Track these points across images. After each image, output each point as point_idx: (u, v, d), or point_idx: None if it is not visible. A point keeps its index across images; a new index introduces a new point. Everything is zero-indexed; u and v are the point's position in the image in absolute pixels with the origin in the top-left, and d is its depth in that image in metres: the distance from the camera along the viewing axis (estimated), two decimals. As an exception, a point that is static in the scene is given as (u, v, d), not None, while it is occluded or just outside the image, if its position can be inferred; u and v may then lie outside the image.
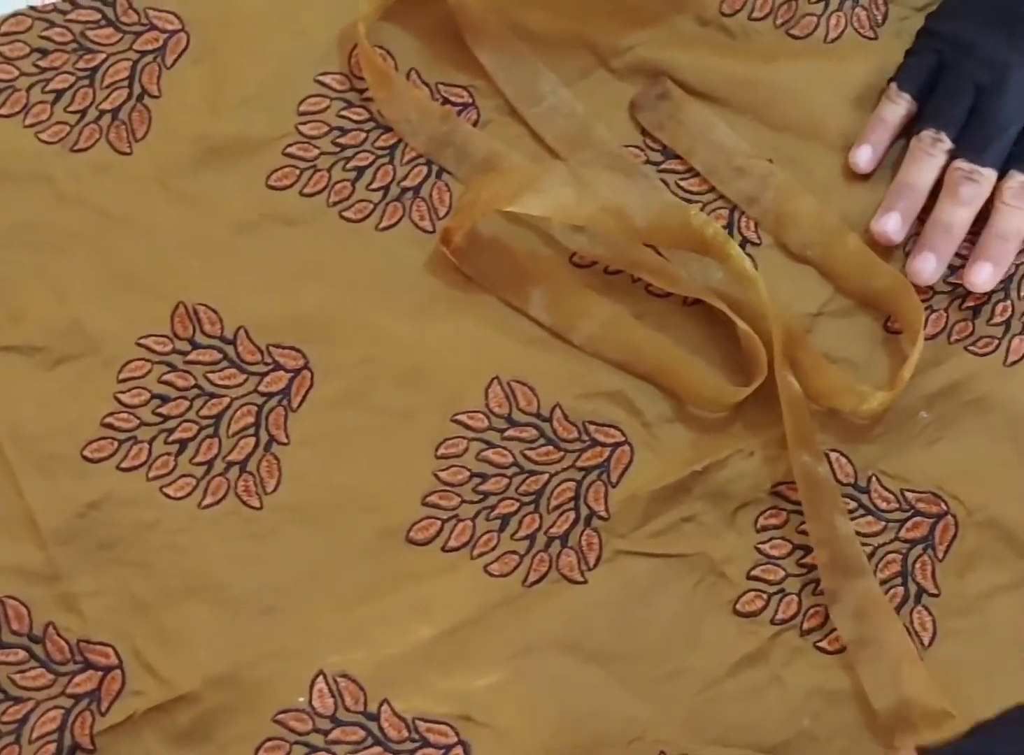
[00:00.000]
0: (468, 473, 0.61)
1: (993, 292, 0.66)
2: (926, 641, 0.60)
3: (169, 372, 0.61)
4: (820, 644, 0.60)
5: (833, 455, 0.63)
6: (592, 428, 0.62)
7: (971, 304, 0.66)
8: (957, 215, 0.64)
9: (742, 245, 0.66)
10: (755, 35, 0.69)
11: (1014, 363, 0.65)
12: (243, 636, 0.57)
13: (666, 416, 0.63)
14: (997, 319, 0.65)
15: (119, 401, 0.61)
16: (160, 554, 0.58)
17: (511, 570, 0.60)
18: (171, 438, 0.60)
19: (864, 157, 0.66)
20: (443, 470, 0.61)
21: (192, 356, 0.62)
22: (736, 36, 0.69)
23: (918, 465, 0.63)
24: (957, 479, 0.62)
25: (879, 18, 0.70)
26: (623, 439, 0.62)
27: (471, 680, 0.58)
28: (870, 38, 0.70)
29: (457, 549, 0.59)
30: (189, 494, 0.60)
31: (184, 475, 0.60)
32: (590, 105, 0.67)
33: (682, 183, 0.67)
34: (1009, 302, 0.66)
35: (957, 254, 0.66)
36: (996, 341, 0.65)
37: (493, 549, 0.60)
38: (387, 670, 0.57)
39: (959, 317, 0.65)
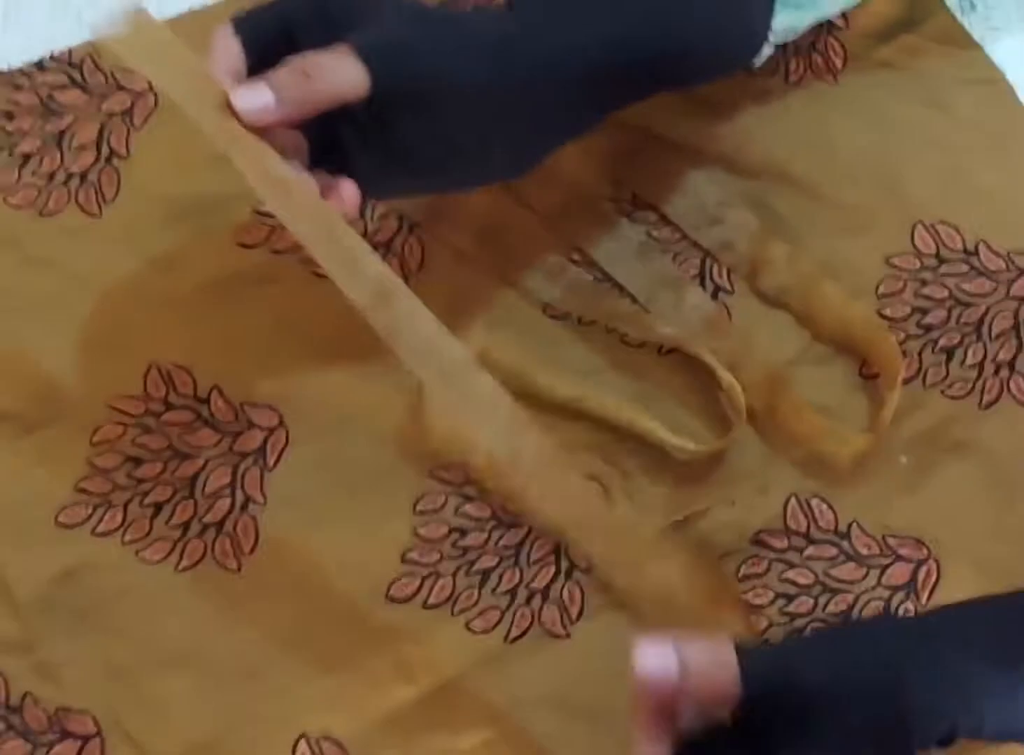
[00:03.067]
0: (447, 528, 0.61)
1: (965, 335, 0.67)
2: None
3: (143, 434, 0.62)
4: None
5: (814, 501, 0.63)
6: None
7: (944, 346, 0.67)
8: None
9: (715, 294, 0.67)
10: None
11: (989, 405, 0.66)
12: (223, 702, 0.58)
13: (645, 466, 0.64)
14: (970, 361, 0.67)
15: (93, 465, 0.61)
16: (138, 620, 0.59)
17: (493, 626, 0.60)
18: (146, 501, 0.61)
19: None
20: (422, 526, 0.61)
21: (166, 417, 0.63)
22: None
23: (899, 511, 0.63)
24: (938, 525, 0.63)
25: (839, 64, 0.72)
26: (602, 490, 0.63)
27: (456, 741, 0.58)
28: (829, 83, 0.72)
29: (438, 606, 0.60)
30: (166, 557, 0.60)
31: (160, 538, 0.60)
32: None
33: (654, 232, 0.68)
34: (981, 344, 0.67)
35: (929, 298, 0.67)
36: (970, 384, 0.66)
37: (475, 605, 0.60)
38: (370, 732, 0.58)
39: (932, 361, 0.67)
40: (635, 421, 0.63)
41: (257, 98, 0.52)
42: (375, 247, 0.65)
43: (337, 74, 0.52)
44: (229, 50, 0.53)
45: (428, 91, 0.54)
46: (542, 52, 0.56)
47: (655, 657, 0.47)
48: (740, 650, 0.48)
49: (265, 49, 0.53)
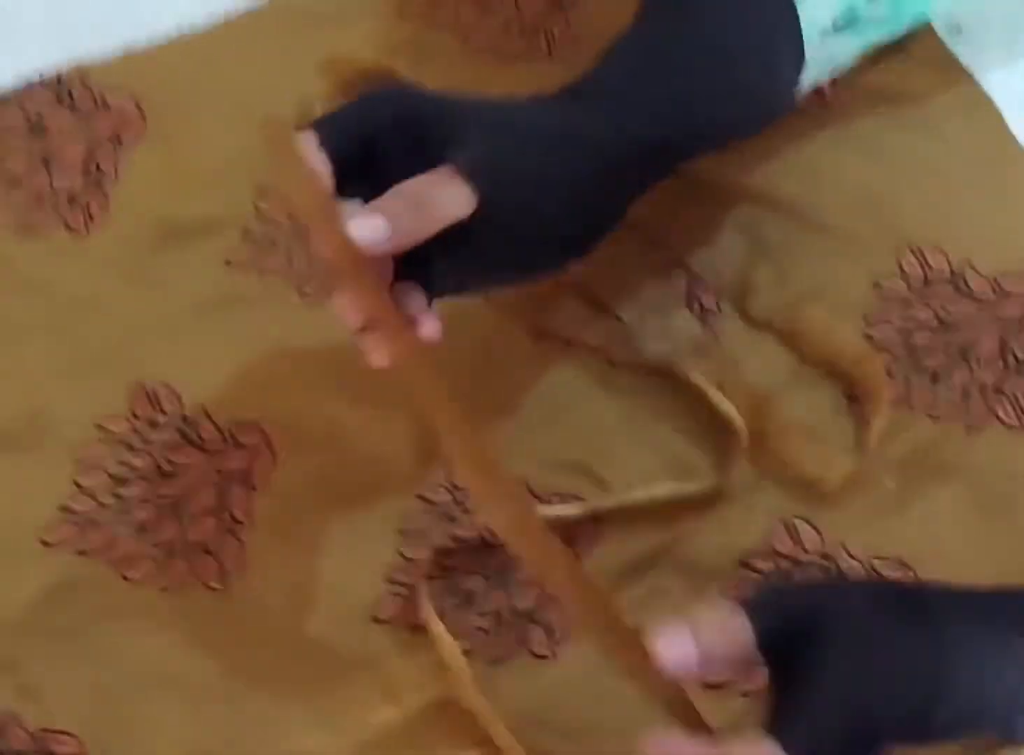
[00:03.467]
0: (433, 549, 0.61)
1: (951, 358, 0.67)
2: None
3: (128, 452, 0.62)
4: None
5: (800, 524, 0.64)
6: (556, 500, 0.63)
7: (930, 368, 0.67)
8: None
9: (702, 317, 0.67)
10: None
11: (976, 429, 0.66)
12: (207, 724, 0.58)
13: (633, 485, 0.64)
14: (956, 384, 0.67)
15: (77, 484, 0.61)
16: (121, 640, 0.59)
17: (478, 648, 0.60)
18: (131, 520, 0.61)
19: None
20: (407, 546, 0.62)
21: (151, 436, 0.63)
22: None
23: (885, 534, 0.64)
24: (925, 548, 0.63)
25: (826, 88, 0.73)
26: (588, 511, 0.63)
27: (442, 762, 0.58)
28: (818, 106, 0.72)
29: (423, 627, 0.60)
30: (150, 577, 0.60)
31: (144, 558, 0.61)
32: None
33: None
34: (968, 367, 0.67)
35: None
36: (957, 407, 0.66)
37: (459, 626, 0.60)
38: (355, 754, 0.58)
39: (919, 383, 0.67)
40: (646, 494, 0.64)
41: (373, 230, 0.51)
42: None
43: (449, 203, 0.53)
44: (320, 168, 0.53)
45: (526, 202, 0.55)
46: (623, 145, 0.58)
47: (673, 646, 0.47)
48: (754, 610, 0.48)
49: (347, 158, 0.54)
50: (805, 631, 0.47)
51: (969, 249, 0.70)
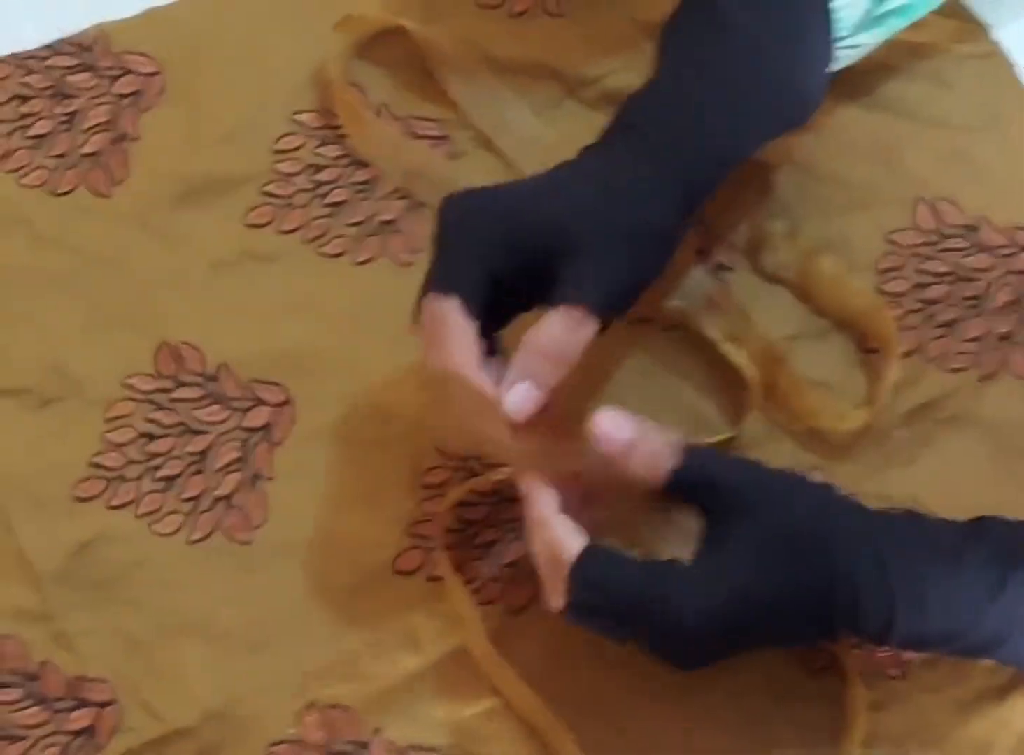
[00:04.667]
0: (452, 502, 0.63)
1: (965, 310, 0.69)
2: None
3: (155, 410, 0.64)
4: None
5: (813, 474, 0.65)
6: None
7: (945, 320, 0.69)
8: None
9: (716, 271, 0.69)
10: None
11: (988, 379, 0.68)
12: (235, 670, 0.60)
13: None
14: (970, 335, 0.68)
15: (107, 440, 0.64)
16: (151, 591, 0.61)
17: (496, 598, 0.62)
18: (158, 475, 0.63)
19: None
20: (427, 499, 0.64)
21: (176, 393, 0.65)
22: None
23: (898, 483, 0.65)
24: (936, 496, 0.65)
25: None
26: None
27: (461, 709, 0.60)
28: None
29: (442, 578, 0.62)
30: (178, 530, 0.63)
31: (172, 512, 0.63)
32: (560, 134, 0.70)
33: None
34: (982, 318, 0.69)
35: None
36: (971, 357, 0.68)
37: (477, 577, 0.63)
38: (377, 701, 0.60)
39: (933, 335, 0.68)
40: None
41: (525, 400, 0.56)
42: (381, 225, 0.68)
43: (583, 342, 0.57)
44: (466, 333, 0.56)
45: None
46: (688, 197, 0.61)
47: (613, 416, 0.55)
48: (684, 446, 0.55)
49: (483, 311, 0.57)
50: (718, 493, 0.54)
51: (984, 202, 0.71)
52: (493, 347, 0.59)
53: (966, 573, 0.53)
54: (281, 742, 0.59)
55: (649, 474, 0.54)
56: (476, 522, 0.63)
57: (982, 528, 0.56)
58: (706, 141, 0.61)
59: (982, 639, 0.54)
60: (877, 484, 0.65)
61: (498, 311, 0.58)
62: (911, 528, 0.55)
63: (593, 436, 0.54)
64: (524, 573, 0.62)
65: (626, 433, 0.54)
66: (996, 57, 0.74)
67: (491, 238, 0.57)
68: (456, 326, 0.56)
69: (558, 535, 0.54)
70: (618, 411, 0.55)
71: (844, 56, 0.66)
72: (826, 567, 0.53)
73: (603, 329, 0.58)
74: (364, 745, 0.59)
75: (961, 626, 0.54)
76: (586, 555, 0.53)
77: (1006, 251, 0.70)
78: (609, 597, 0.53)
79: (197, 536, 0.62)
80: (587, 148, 0.62)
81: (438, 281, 0.57)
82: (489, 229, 0.58)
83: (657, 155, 0.60)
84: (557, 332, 0.56)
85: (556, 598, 0.54)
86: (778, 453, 0.66)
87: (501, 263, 0.57)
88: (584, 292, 0.57)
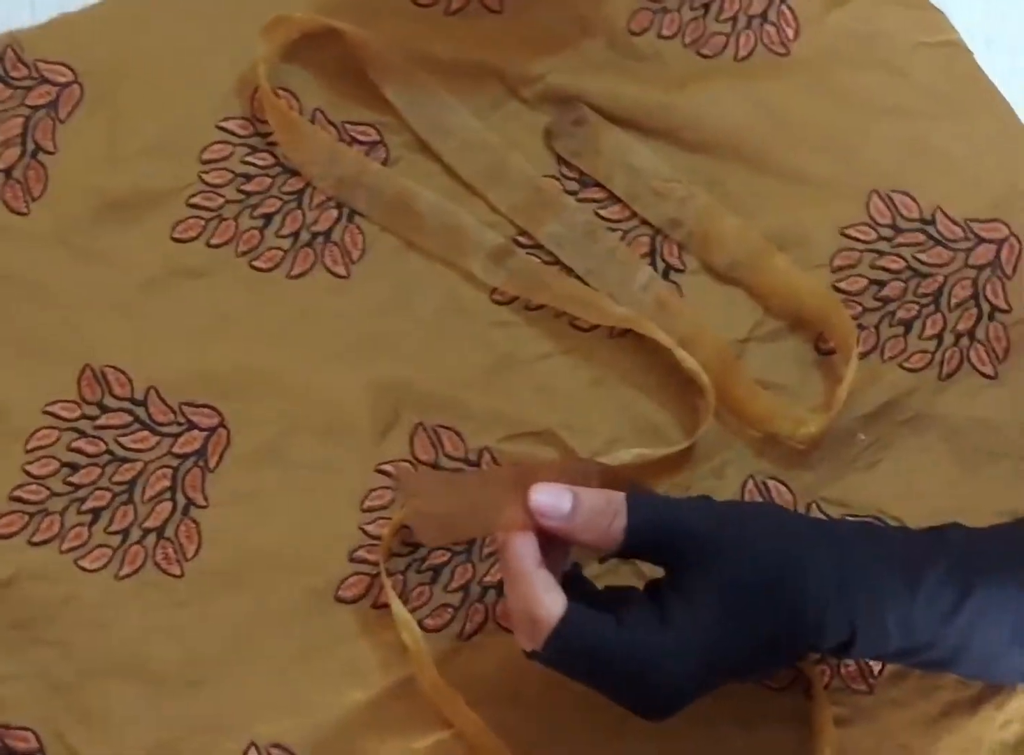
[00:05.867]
0: (395, 525, 0.61)
1: (923, 306, 0.67)
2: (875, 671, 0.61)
3: (78, 439, 0.62)
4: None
5: (772, 483, 0.63)
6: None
7: (902, 318, 0.67)
8: None
9: (666, 272, 0.67)
10: (665, 56, 0.70)
11: (949, 376, 0.66)
12: (169, 711, 0.58)
13: (601, 452, 0.63)
14: (929, 333, 0.66)
15: (27, 473, 0.61)
16: (78, 631, 0.59)
17: (446, 623, 0.60)
18: (84, 507, 0.61)
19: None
20: (370, 523, 0.61)
21: (102, 420, 0.62)
22: (645, 58, 0.70)
23: (858, 489, 0.63)
24: (898, 500, 0.63)
25: (790, 33, 0.71)
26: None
27: (409, 742, 0.58)
28: (781, 54, 0.71)
29: (388, 605, 0.60)
30: (105, 565, 0.60)
31: (99, 545, 0.60)
32: (503, 137, 0.68)
33: (601, 212, 0.68)
34: (940, 315, 0.67)
35: (886, 270, 0.67)
36: (930, 355, 0.66)
37: (427, 602, 0.60)
38: (321, 738, 0.58)
39: (891, 333, 0.66)
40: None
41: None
42: (313, 236, 0.65)
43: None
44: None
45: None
46: None
47: (549, 493, 0.52)
48: (634, 500, 0.52)
49: None
50: (676, 546, 0.52)
51: (939, 193, 0.69)
52: None
53: (925, 592, 0.52)
54: (221, 784, 0.57)
55: (602, 543, 0.52)
56: (421, 545, 0.61)
57: (941, 540, 0.54)
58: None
59: (941, 655, 0.53)
60: (837, 490, 0.64)
61: None
62: (870, 544, 0.53)
63: (533, 510, 0.52)
64: (474, 596, 0.60)
65: (566, 504, 0.52)
66: (954, 45, 0.72)
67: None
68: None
69: (536, 592, 0.51)
70: (553, 484, 0.52)
71: None
72: (795, 604, 0.51)
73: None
74: (309, 785, 0.57)
75: (920, 644, 0.52)
76: (565, 621, 0.50)
77: (963, 244, 0.68)
78: (583, 664, 0.51)
79: (127, 571, 0.60)
80: None
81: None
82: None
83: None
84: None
85: (528, 645, 0.52)
86: (734, 461, 0.64)
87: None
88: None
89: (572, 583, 0.54)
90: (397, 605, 0.58)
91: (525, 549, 0.51)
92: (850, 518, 0.62)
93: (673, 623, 0.51)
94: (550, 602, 0.50)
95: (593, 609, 0.51)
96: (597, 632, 0.51)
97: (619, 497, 0.52)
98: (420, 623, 0.60)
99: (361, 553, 0.61)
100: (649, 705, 0.52)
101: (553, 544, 0.53)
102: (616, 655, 0.50)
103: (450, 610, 0.60)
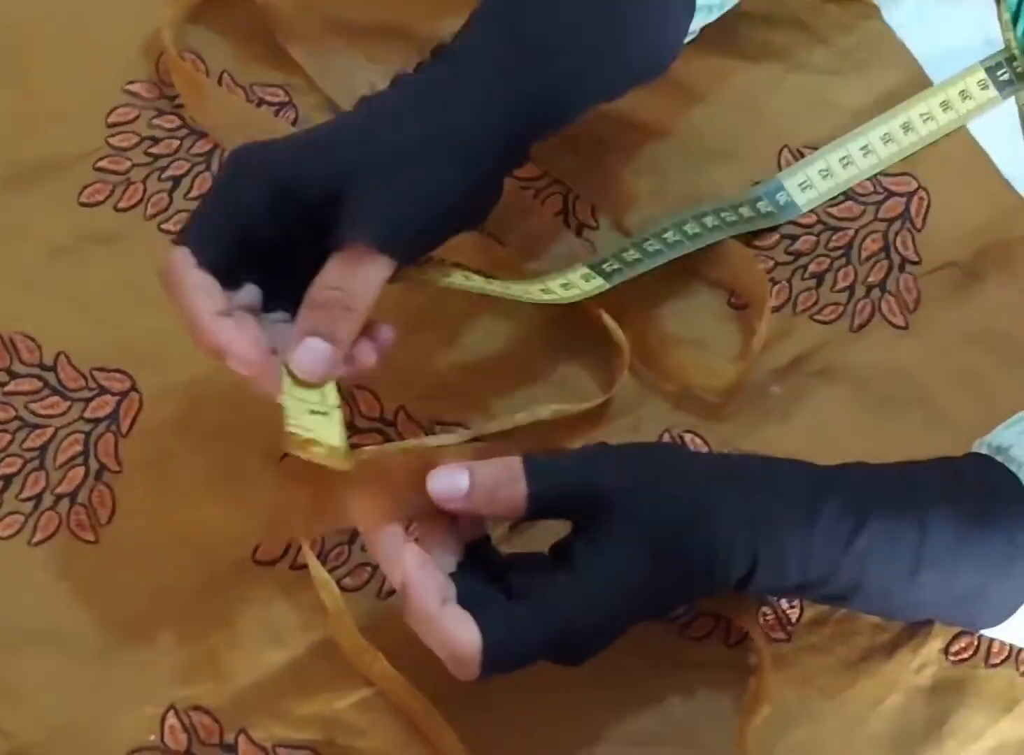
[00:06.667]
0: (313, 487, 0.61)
1: (835, 259, 0.67)
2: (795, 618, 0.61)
3: (-13, 406, 0.61)
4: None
5: (688, 436, 0.64)
6: (439, 429, 0.62)
7: (814, 271, 0.67)
8: None
9: (579, 230, 0.67)
10: None
11: (860, 328, 0.66)
12: (86, 679, 0.57)
13: (518, 409, 0.63)
14: (840, 285, 0.67)
15: (-64, 441, 0.60)
16: (-11, 599, 0.58)
17: (365, 582, 0.60)
18: (-5, 475, 0.60)
19: None
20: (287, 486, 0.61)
21: (11, 386, 0.61)
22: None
23: (773, 441, 0.64)
24: (813, 451, 0.63)
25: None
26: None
27: (332, 702, 0.58)
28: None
29: (306, 566, 0.59)
30: (18, 532, 0.59)
31: (11, 512, 0.59)
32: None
33: (516, 171, 0.67)
34: (851, 267, 0.68)
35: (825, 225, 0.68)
36: (841, 308, 0.67)
37: (345, 562, 0.60)
38: (241, 700, 0.57)
39: (802, 287, 0.67)
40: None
41: (317, 355, 0.52)
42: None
43: (368, 288, 0.52)
44: (204, 288, 0.52)
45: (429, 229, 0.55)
46: (505, 133, 0.55)
47: (445, 477, 0.51)
48: (531, 464, 0.51)
49: (228, 264, 0.53)
50: (581, 503, 0.52)
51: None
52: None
53: (822, 525, 0.52)
54: (140, 749, 0.56)
55: (507, 514, 0.52)
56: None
57: (842, 477, 0.55)
58: (541, 68, 0.56)
59: (839, 589, 0.54)
60: (752, 442, 0.64)
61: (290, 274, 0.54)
62: (773, 480, 0.54)
63: (433, 498, 0.51)
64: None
65: (463, 483, 0.51)
66: (871, 15, 0.73)
67: (250, 194, 0.52)
68: (181, 279, 0.52)
69: (450, 634, 0.49)
70: (447, 466, 0.52)
71: (709, 5, 0.63)
72: (704, 542, 0.52)
73: (401, 265, 0.53)
74: (230, 747, 0.57)
75: (817, 577, 0.53)
76: (487, 648, 0.49)
77: (873, 198, 0.69)
78: (521, 662, 0.51)
79: (39, 537, 0.59)
80: (400, 76, 0.57)
81: (180, 233, 0.53)
82: (252, 185, 0.53)
83: (479, 72, 0.55)
84: (334, 279, 0.52)
85: (464, 678, 0.51)
86: (651, 415, 0.64)
87: (277, 222, 0.52)
88: (358, 227, 0.52)
89: (476, 553, 0.53)
90: (315, 565, 0.58)
91: (426, 589, 0.50)
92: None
93: (582, 572, 0.51)
94: (465, 637, 0.49)
95: (500, 607, 0.51)
96: (520, 635, 0.50)
97: (516, 464, 0.51)
98: (339, 583, 0.59)
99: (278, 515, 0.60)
100: (569, 659, 0.52)
101: (463, 520, 0.53)
102: (545, 639, 0.50)
103: (368, 569, 0.60)
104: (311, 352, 0.52)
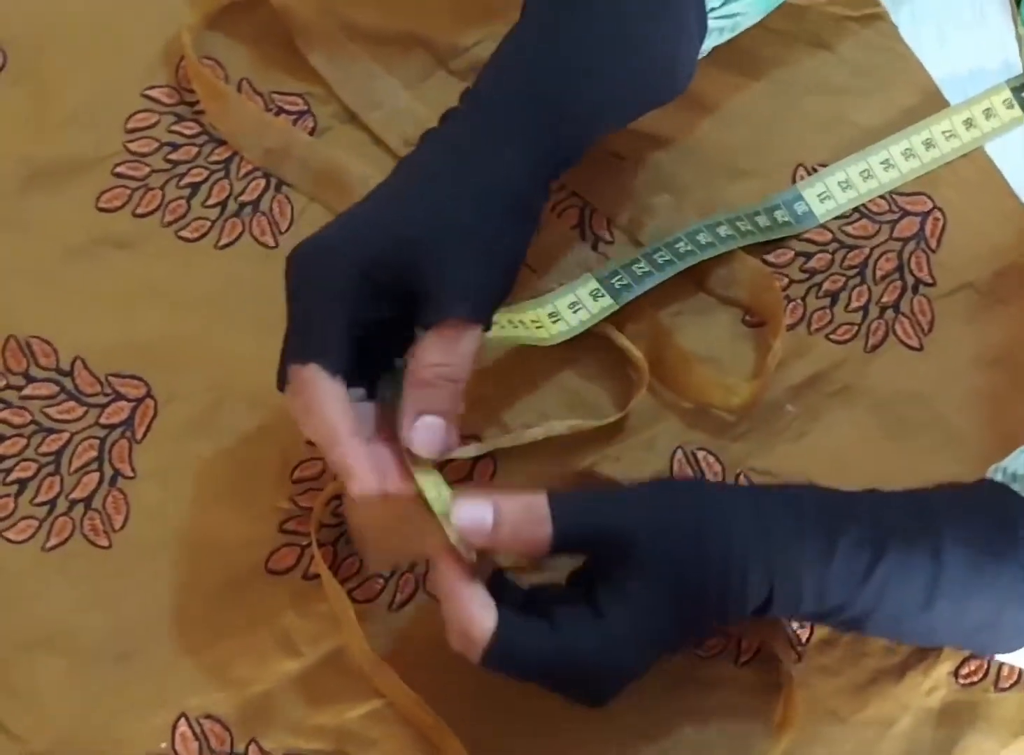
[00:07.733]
0: (325, 496, 0.61)
1: (849, 278, 0.68)
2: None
3: (4, 409, 0.61)
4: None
5: (701, 454, 0.64)
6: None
7: (829, 289, 0.68)
8: None
9: (595, 243, 0.67)
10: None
11: (875, 348, 0.67)
12: (97, 684, 0.57)
13: (532, 425, 0.63)
14: (854, 305, 0.68)
15: (-48, 445, 0.60)
16: (3, 604, 0.58)
17: (377, 594, 0.60)
18: (9, 478, 0.60)
19: None
20: (300, 494, 0.61)
21: (27, 391, 0.62)
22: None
23: (787, 460, 0.64)
24: (826, 471, 0.64)
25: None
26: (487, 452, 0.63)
27: (343, 712, 0.58)
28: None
29: (319, 576, 0.59)
30: (32, 537, 0.59)
31: (25, 517, 0.60)
32: (431, 107, 0.68)
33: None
34: (865, 287, 0.68)
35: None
36: (855, 327, 0.67)
37: (356, 573, 0.60)
38: (253, 709, 0.58)
39: (817, 305, 0.67)
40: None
41: (432, 433, 0.53)
42: (241, 206, 0.65)
43: (466, 359, 0.54)
44: (332, 399, 0.52)
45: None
46: (540, 175, 0.57)
47: (470, 509, 0.51)
48: (556, 503, 0.51)
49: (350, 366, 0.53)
50: (604, 545, 0.52)
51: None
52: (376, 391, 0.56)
53: (839, 557, 0.53)
54: (151, 757, 0.57)
55: (529, 552, 0.52)
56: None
57: (857, 505, 0.55)
58: (564, 107, 0.57)
59: (851, 617, 0.54)
60: (765, 461, 0.64)
61: (379, 350, 0.55)
62: (790, 512, 0.54)
63: (457, 525, 0.51)
64: (403, 567, 0.60)
65: (488, 518, 0.51)
66: (879, 20, 0.73)
67: (344, 288, 0.53)
68: (320, 393, 0.52)
69: (468, 611, 0.51)
70: (471, 496, 0.52)
71: (720, 27, 0.63)
72: (721, 579, 0.52)
73: (487, 327, 0.55)
74: (240, 756, 0.57)
75: (831, 607, 0.53)
76: (498, 637, 0.50)
77: (888, 217, 0.70)
78: (524, 672, 0.52)
79: (53, 542, 0.59)
80: (430, 132, 0.58)
81: (295, 349, 0.53)
82: (340, 280, 0.53)
83: (510, 120, 0.56)
84: (437, 356, 0.53)
85: (470, 659, 0.51)
86: (665, 432, 0.64)
87: (363, 309, 0.53)
88: (453, 303, 0.53)
89: (498, 591, 0.53)
90: (328, 576, 0.58)
91: (463, 562, 0.51)
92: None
93: (607, 617, 0.51)
94: (481, 619, 0.50)
95: (524, 616, 0.51)
96: (532, 642, 0.51)
97: (541, 504, 0.52)
98: (350, 594, 0.60)
99: (291, 524, 0.61)
100: (590, 699, 0.53)
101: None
102: (555, 660, 0.51)
103: (380, 581, 0.60)
104: (428, 430, 0.53)
